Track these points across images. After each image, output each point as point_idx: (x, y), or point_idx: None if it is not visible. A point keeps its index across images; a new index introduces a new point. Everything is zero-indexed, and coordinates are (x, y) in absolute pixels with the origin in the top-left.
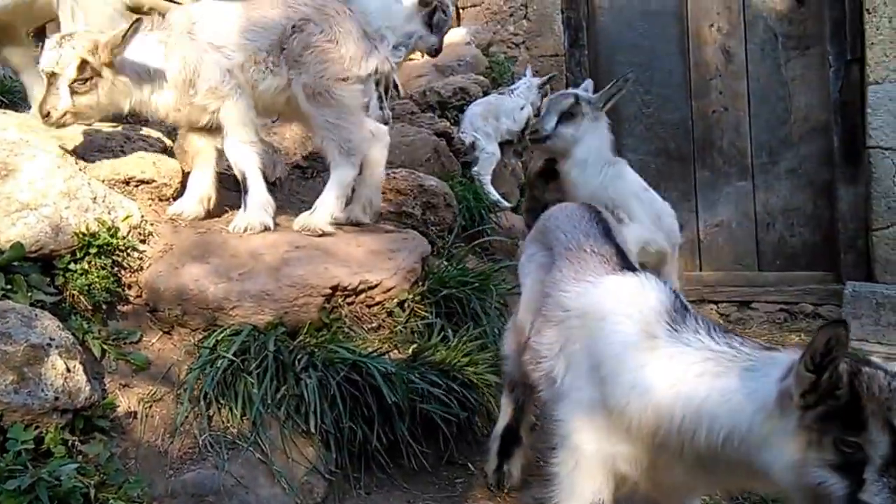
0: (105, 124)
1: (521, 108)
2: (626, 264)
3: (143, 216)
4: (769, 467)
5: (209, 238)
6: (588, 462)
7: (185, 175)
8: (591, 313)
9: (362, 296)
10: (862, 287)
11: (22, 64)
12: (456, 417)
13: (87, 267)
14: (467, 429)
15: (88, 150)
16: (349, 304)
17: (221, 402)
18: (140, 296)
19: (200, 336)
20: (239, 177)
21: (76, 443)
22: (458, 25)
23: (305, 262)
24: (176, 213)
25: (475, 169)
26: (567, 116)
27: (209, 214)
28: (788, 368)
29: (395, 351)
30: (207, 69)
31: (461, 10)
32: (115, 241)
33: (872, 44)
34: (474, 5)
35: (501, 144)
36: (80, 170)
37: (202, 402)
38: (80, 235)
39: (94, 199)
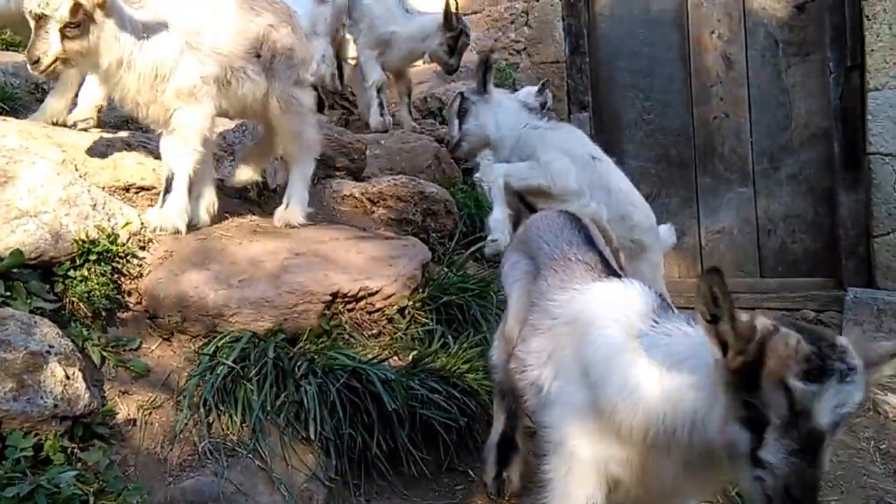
0: (105, 131)
1: None
2: (610, 271)
3: (142, 223)
4: (713, 440)
5: (209, 245)
6: (581, 467)
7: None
8: (580, 320)
9: (362, 302)
10: (863, 293)
11: None
12: (456, 424)
13: (86, 274)
14: (468, 435)
15: (88, 157)
16: (349, 310)
17: (221, 408)
18: (140, 303)
19: (200, 343)
20: (166, 175)
21: (75, 450)
22: None
23: (305, 269)
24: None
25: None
26: (463, 114)
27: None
28: None
29: (396, 357)
30: (183, 71)
31: None
32: (114, 247)
33: (872, 50)
34: (475, 12)
35: None
36: (79, 177)
37: (202, 409)
38: (80, 242)
39: (94, 205)
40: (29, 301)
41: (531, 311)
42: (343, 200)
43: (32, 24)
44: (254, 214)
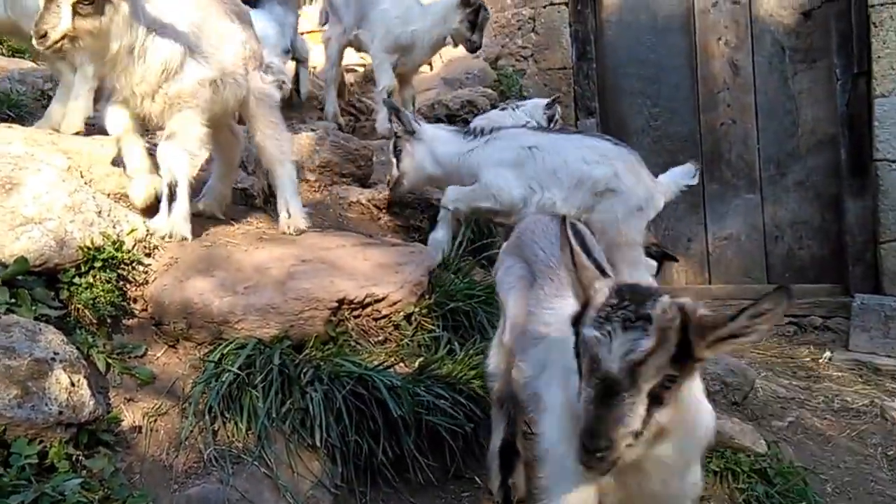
0: (111, 138)
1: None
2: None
3: (148, 230)
4: None
5: (214, 252)
6: (573, 474)
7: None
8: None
9: (369, 309)
10: (870, 300)
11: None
12: (462, 430)
13: (91, 281)
14: (474, 442)
15: (94, 164)
16: (355, 317)
17: (226, 416)
18: (145, 309)
19: (205, 350)
20: (168, 180)
21: (80, 457)
22: None
23: (311, 276)
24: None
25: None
26: (398, 154)
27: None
28: None
29: (402, 364)
30: (188, 73)
31: None
32: (120, 254)
33: (879, 57)
34: None
35: None
36: (85, 183)
37: (207, 416)
38: (85, 249)
39: (99, 212)
40: (34, 308)
41: (529, 319)
42: (349, 207)
43: None
44: (260, 221)
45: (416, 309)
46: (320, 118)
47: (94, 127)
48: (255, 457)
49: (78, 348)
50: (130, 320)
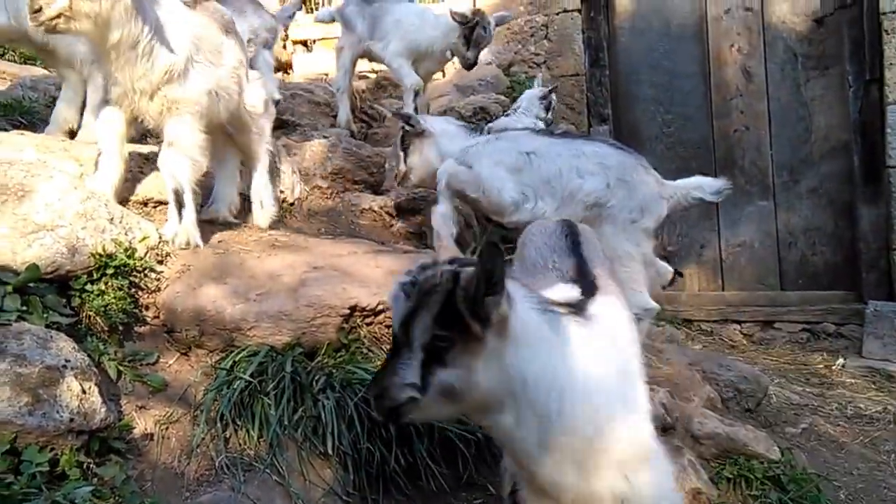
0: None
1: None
2: (578, 277)
3: (160, 237)
4: None
5: (227, 259)
6: None
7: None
8: None
9: (381, 316)
10: (884, 307)
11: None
12: (475, 437)
13: (103, 288)
14: (486, 449)
15: None
16: (368, 324)
17: (238, 423)
18: (157, 317)
19: (218, 357)
20: (173, 187)
21: (91, 465)
22: None
23: (323, 283)
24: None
25: None
26: (406, 149)
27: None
28: None
29: None
30: (191, 81)
31: None
32: (132, 261)
33: (891, 64)
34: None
35: None
36: (96, 190)
37: (219, 424)
38: (97, 256)
39: (111, 219)
40: (45, 315)
41: None
42: (362, 214)
43: None
44: (272, 228)
45: None
46: (333, 125)
47: None
48: (266, 464)
49: (89, 355)
50: (142, 327)
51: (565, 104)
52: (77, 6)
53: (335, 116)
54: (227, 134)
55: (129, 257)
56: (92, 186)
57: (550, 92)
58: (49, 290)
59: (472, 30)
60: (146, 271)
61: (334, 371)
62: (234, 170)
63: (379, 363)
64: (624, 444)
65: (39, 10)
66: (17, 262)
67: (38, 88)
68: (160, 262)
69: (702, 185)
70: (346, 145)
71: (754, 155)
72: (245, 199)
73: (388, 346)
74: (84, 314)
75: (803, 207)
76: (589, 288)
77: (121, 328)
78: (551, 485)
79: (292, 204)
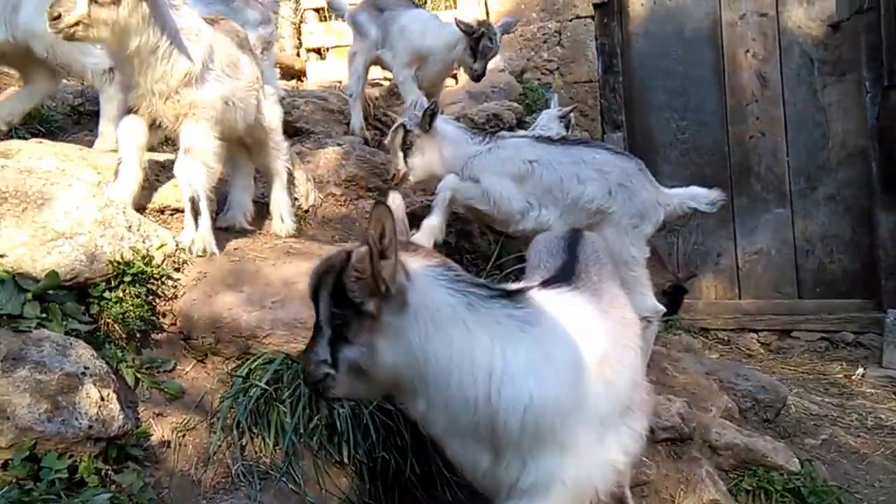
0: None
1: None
2: (558, 273)
3: (177, 244)
4: None
5: (243, 266)
6: None
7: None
8: None
9: None
10: None
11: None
12: None
13: (121, 295)
14: None
15: None
16: None
17: (254, 431)
18: (174, 324)
19: (234, 364)
20: (190, 194)
21: (109, 472)
22: None
23: None
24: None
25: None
26: (407, 148)
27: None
28: None
29: None
30: (208, 86)
31: None
32: (149, 269)
33: None
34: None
35: None
36: (115, 198)
37: (235, 432)
38: (115, 264)
39: (129, 227)
40: (64, 323)
41: None
42: None
43: None
44: (287, 236)
45: None
46: (346, 133)
47: None
48: (282, 472)
49: (107, 363)
50: (159, 335)
51: (579, 111)
52: (95, 14)
53: (348, 124)
54: (245, 148)
55: (146, 265)
56: (111, 194)
57: (570, 112)
58: (68, 298)
59: (477, 41)
60: (163, 279)
61: None
62: (249, 177)
63: None
64: (529, 431)
65: (59, 17)
66: (37, 269)
67: (57, 97)
68: (177, 270)
69: (697, 196)
70: (360, 152)
71: (770, 161)
72: (260, 206)
73: None
74: (102, 321)
75: (820, 214)
76: (557, 281)
77: (138, 335)
78: (462, 468)
79: (307, 211)
